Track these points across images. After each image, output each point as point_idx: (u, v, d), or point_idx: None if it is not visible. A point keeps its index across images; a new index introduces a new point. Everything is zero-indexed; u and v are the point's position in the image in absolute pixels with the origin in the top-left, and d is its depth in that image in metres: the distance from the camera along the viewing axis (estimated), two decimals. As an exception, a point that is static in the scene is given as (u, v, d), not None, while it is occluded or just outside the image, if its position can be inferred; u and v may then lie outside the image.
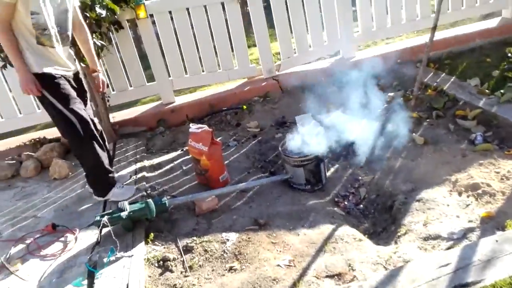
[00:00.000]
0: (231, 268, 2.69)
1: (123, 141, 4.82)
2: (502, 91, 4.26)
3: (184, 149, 4.40)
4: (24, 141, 4.90)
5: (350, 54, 5.95)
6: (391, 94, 4.84)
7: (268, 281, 2.53)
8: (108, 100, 4.84)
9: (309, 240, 2.89)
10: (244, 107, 5.25)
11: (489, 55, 5.45)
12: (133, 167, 4.10)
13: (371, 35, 6.04)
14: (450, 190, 3.19)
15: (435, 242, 2.71)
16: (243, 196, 3.53)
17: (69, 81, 3.29)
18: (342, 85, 4.61)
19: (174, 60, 5.29)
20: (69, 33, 3.27)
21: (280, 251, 2.82)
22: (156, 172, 4.05)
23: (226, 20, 5.30)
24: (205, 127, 3.65)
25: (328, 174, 3.79)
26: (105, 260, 2.76)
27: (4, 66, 4.16)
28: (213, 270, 2.70)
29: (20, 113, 4.97)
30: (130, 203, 3.14)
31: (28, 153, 4.56)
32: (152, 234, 3.03)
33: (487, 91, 4.42)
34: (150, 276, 2.68)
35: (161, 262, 2.79)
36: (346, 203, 3.49)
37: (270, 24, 5.44)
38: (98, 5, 4.18)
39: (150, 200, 3.11)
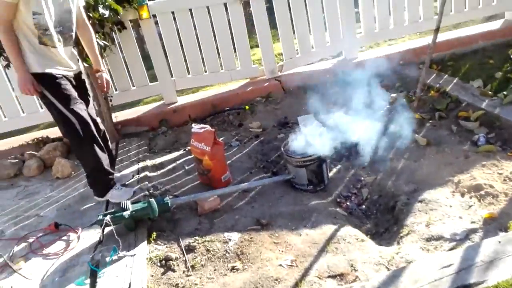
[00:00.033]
0: (233, 268, 2.69)
1: (125, 141, 4.83)
2: (505, 92, 4.26)
3: (187, 149, 4.41)
4: (27, 140, 4.91)
5: (353, 55, 5.95)
6: (394, 95, 4.84)
7: (270, 281, 2.53)
8: (110, 100, 4.85)
9: (311, 240, 2.89)
10: (247, 107, 5.26)
11: (492, 57, 5.44)
12: (136, 167, 4.10)
13: (373, 36, 6.04)
14: (453, 191, 3.18)
15: (437, 243, 2.70)
16: (245, 196, 3.53)
17: (70, 81, 3.29)
18: (345, 86, 4.61)
19: (177, 60, 5.30)
20: (73, 33, 3.26)
21: (282, 251, 2.82)
22: (159, 172, 4.06)
23: (229, 21, 5.31)
24: (208, 127, 3.66)
25: (330, 174, 3.79)
26: (107, 259, 2.77)
27: (8, 66, 4.17)
28: (215, 270, 2.70)
29: (23, 112, 4.98)
30: (132, 203, 3.14)
31: (31, 152, 4.57)
32: (154, 233, 3.03)
33: (490, 92, 4.42)
34: (152, 276, 2.68)
35: (163, 261, 2.79)
36: (348, 203, 3.49)
37: (273, 25, 5.45)
38: (101, 6, 4.19)
39: (152, 200, 3.11)
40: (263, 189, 3.59)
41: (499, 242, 2.38)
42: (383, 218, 3.29)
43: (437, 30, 4.10)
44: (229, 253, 2.83)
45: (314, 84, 5.25)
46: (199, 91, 6.31)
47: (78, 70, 3.40)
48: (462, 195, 3.12)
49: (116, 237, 2.85)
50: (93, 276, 2.69)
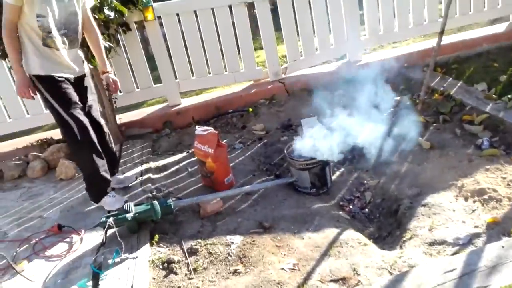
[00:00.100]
0: (235, 271, 2.69)
1: (129, 143, 4.84)
2: (509, 96, 4.24)
3: (190, 151, 4.41)
4: (31, 141, 4.92)
5: (357, 57, 5.95)
6: (398, 98, 4.83)
7: (272, 285, 2.52)
8: (115, 102, 4.86)
9: (314, 244, 2.89)
10: (250, 109, 5.26)
11: (497, 60, 5.43)
12: (139, 169, 4.11)
13: (378, 38, 6.03)
14: (456, 195, 3.17)
15: (440, 247, 2.69)
16: (248, 199, 3.53)
17: (73, 83, 3.28)
18: (349, 89, 4.60)
19: (181, 62, 5.31)
20: (78, 35, 3.26)
21: (285, 255, 2.82)
22: (162, 174, 4.06)
23: (233, 23, 5.32)
24: (211, 129, 3.66)
25: (333, 177, 3.78)
26: (110, 261, 2.77)
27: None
28: (217, 273, 2.70)
29: (28, 114, 5.00)
30: (135, 205, 3.14)
31: (35, 153, 4.59)
32: (157, 236, 3.03)
33: (494, 96, 4.41)
34: (154, 278, 2.69)
35: (166, 264, 2.79)
36: (351, 207, 3.49)
37: (277, 27, 5.45)
38: (107, 7, 4.21)
39: (155, 202, 3.11)
40: (266, 192, 3.59)
41: (502, 247, 2.38)
42: (386, 222, 3.29)
43: (441, 33, 4.10)
44: (231, 256, 2.83)
45: (318, 86, 5.23)
46: (202, 93, 6.32)
47: (82, 72, 3.39)
48: (466, 199, 3.11)
49: (119, 239, 2.86)
50: (96, 278, 2.69)
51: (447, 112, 4.39)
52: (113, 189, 3.58)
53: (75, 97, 3.25)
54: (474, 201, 3.06)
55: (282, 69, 5.68)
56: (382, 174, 3.73)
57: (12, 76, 4.66)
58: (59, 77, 3.17)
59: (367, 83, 4.36)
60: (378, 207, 3.45)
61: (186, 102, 5.51)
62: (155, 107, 5.60)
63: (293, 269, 2.66)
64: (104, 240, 3.01)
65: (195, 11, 5.11)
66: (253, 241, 2.94)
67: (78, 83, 3.35)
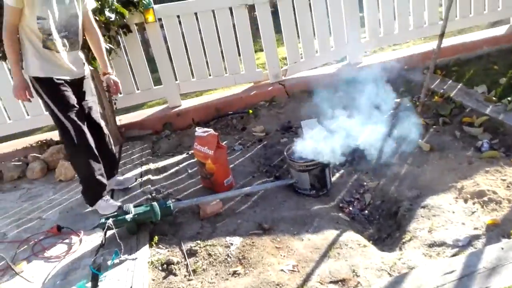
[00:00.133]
0: (234, 273, 2.69)
1: (129, 144, 4.84)
2: (509, 98, 4.24)
3: (190, 153, 4.41)
4: (31, 142, 4.92)
5: (357, 59, 5.95)
6: (398, 100, 4.83)
7: (271, 286, 2.52)
8: (115, 103, 4.86)
9: (313, 246, 2.88)
10: (250, 111, 5.26)
11: (497, 63, 5.43)
12: (139, 170, 4.11)
13: (378, 41, 6.04)
14: (456, 197, 3.17)
15: (440, 249, 2.69)
16: (247, 200, 3.53)
17: (72, 84, 3.28)
18: (348, 91, 4.60)
19: (182, 64, 5.31)
20: (79, 37, 3.27)
21: (284, 256, 2.81)
22: (161, 175, 4.06)
23: (234, 25, 5.32)
24: (211, 131, 3.66)
25: (333, 179, 3.78)
26: (109, 262, 2.76)
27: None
28: (216, 274, 2.69)
29: (28, 115, 5.00)
30: (135, 206, 3.14)
31: (34, 154, 4.59)
32: (156, 237, 3.03)
33: (494, 98, 4.40)
34: (153, 279, 2.68)
35: (165, 265, 2.79)
36: (350, 208, 3.48)
37: (277, 29, 5.45)
38: (108, 9, 4.21)
39: (155, 203, 3.11)
40: (266, 193, 3.59)
41: (502, 248, 2.37)
42: (385, 223, 3.28)
43: (442, 35, 4.10)
44: (230, 257, 2.82)
45: (318, 88, 5.23)
46: (203, 94, 6.33)
47: (82, 74, 3.38)
48: (465, 201, 3.10)
49: (118, 240, 2.85)
50: (95, 279, 2.68)
51: (447, 114, 4.39)
52: (112, 191, 3.58)
53: (73, 100, 3.24)
54: (473, 203, 3.05)
55: (282, 71, 5.68)
56: (382, 176, 3.73)
57: (11, 77, 4.65)
58: (58, 79, 3.16)
59: (367, 85, 4.36)
60: (378, 209, 3.45)
61: (186, 104, 5.51)
62: (155, 108, 5.60)
63: (292, 270, 2.66)
64: (103, 241, 3.01)
65: (195, 13, 5.12)
66: (253, 242, 2.94)
67: (78, 84, 3.35)
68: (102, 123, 3.60)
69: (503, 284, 2.12)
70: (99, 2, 4.07)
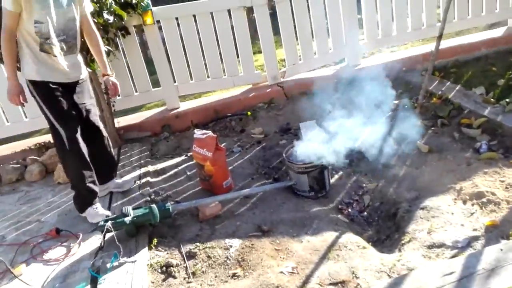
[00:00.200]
0: (234, 275, 2.68)
1: (127, 146, 4.84)
2: (507, 100, 4.25)
3: (188, 155, 4.41)
4: (29, 145, 4.91)
5: (355, 61, 5.96)
6: (396, 101, 4.84)
7: (271, 288, 2.52)
8: (113, 105, 4.86)
9: (313, 247, 2.88)
10: (249, 113, 5.26)
11: (495, 64, 5.45)
12: (137, 172, 4.11)
13: (376, 43, 6.04)
14: (455, 199, 3.17)
15: (439, 250, 2.69)
16: (246, 202, 3.53)
17: (68, 87, 3.28)
18: (347, 93, 4.61)
19: (180, 66, 5.31)
20: (77, 41, 3.27)
21: (284, 258, 2.81)
22: (160, 177, 4.06)
23: (232, 27, 5.32)
24: (210, 133, 3.66)
25: (332, 181, 3.78)
26: (108, 265, 2.76)
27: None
28: (216, 277, 2.69)
29: (26, 117, 4.99)
30: (134, 208, 3.13)
31: (33, 157, 4.58)
32: (155, 239, 3.03)
33: (492, 100, 4.42)
34: (153, 282, 2.68)
35: (164, 268, 2.78)
36: (349, 210, 3.48)
37: (276, 31, 5.46)
38: (106, 11, 4.21)
39: (153, 206, 3.11)
40: (265, 195, 3.59)
41: (501, 249, 2.37)
42: (384, 225, 3.29)
43: (440, 37, 4.11)
44: (230, 259, 2.82)
45: (316, 90, 5.24)
46: (201, 96, 6.33)
47: (79, 78, 3.36)
48: (464, 202, 3.11)
49: (117, 243, 2.85)
50: (94, 282, 2.68)
51: (445, 116, 4.40)
52: (111, 193, 3.57)
53: (68, 105, 3.23)
54: (472, 204, 3.06)
55: (281, 73, 5.69)
56: (381, 177, 3.74)
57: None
58: (54, 83, 3.16)
59: (366, 87, 4.37)
60: (377, 211, 3.45)
61: (184, 106, 5.51)
62: (154, 110, 5.59)
63: (292, 272, 2.65)
64: (102, 244, 3.01)
65: (194, 15, 5.12)
66: (252, 244, 2.93)
67: (75, 87, 3.34)
68: (101, 126, 3.59)
69: (503, 285, 2.12)
70: (98, 5, 4.08)
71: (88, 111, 3.43)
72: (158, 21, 5.05)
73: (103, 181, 3.68)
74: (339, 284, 2.52)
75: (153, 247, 2.98)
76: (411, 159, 3.82)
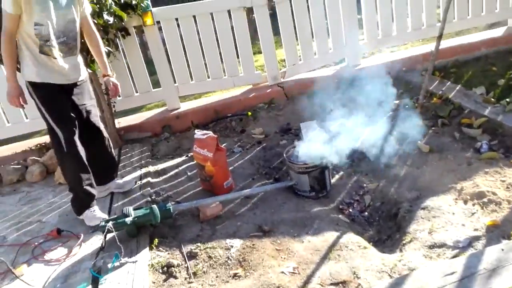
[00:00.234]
0: (235, 275, 2.69)
1: (128, 147, 4.84)
2: (507, 99, 4.26)
3: (189, 155, 4.41)
4: (30, 146, 4.91)
5: (355, 61, 5.96)
6: (396, 102, 4.84)
7: (272, 288, 2.52)
8: (114, 106, 4.86)
9: (314, 248, 2.88)
10: (249, 113, 5.26)
11: (495, 64, 5.45)
12: (138, 173, 4.11)
13: (376, 43, 6.04)
14: (456, 198, 3.17)
15: (440, 250, 2.69)
16: (247, 203, 3.53)
17: (69, 90, 3.28)
18: (347, 93, 4.61)
19: (180, 67, 5.31)
20: (77, 42, 3.26)
21: (285, 258, 2.81)
22: (161, 178, 4.06)
23: (232, 27, 5.33)
24: (210, 133, 3.66)
25: (332, 181, 3.78)
26: (109, 265, 2.76)
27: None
28: (217, 277, 2.69)
29: (27, 118, 4.98)
30: (134, 209, 3.14)
31: (33, 158, 4.58)
32: (156, 240, 3.03)
33: (492, 99, 4.42)
34: (154, 282, 2.68)
35: (165, 268, 2.78)
36: (350, 210, 3.49)
37: (276, 32, 5.46)
38: (106, 12, 4.21)
39: (154, 206, 3.11)
40: (265, 195, 3.59)
41: (502, 249, 2.38)
42: (385, 225, 3.29)
43: (440, 37, 4.11)
44: (231, 260, 2.82)
45: (317, 90, 5.24)
46: (202, 97, 6.32)
47: (80, 79, 3.36)
48: (465, 202, 3.11)
49: (118, 243, 2.84)
50: (95, 282, 2.68)
51: (445, 116, 4.40)
52: (112, 194, 3.56)
53: (67, 108, 3.23)
54: (473, 204, 3.06)
55: (281, 73, 5.69)
56: (382, 177, 3.74)
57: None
58: (53, 85, 3.16)
59: (366, 87, 4.37)
60: (378, 210, 3.45)
61: (185, 106, 5.51)
62: (154, 111, 5.59)
63: (293, 272, 2.66)
64: (104, 244, 3.01)
65: (194, 16, 5.12)
66: (253, 244, 2.94)
67: (75, 88, 3.34)
68: (102, 126, 3.59)
69: (504, 285, 2.12)
70: (98, 6, 4.08)
71: (88, 112, 3.43)
72: (158, 22, 5.05)
73: (104, 181, 3.68)
74: (340, 284, 2.52)
75: (154, 248, 2.98)
76: (411, 159, 3.82)
